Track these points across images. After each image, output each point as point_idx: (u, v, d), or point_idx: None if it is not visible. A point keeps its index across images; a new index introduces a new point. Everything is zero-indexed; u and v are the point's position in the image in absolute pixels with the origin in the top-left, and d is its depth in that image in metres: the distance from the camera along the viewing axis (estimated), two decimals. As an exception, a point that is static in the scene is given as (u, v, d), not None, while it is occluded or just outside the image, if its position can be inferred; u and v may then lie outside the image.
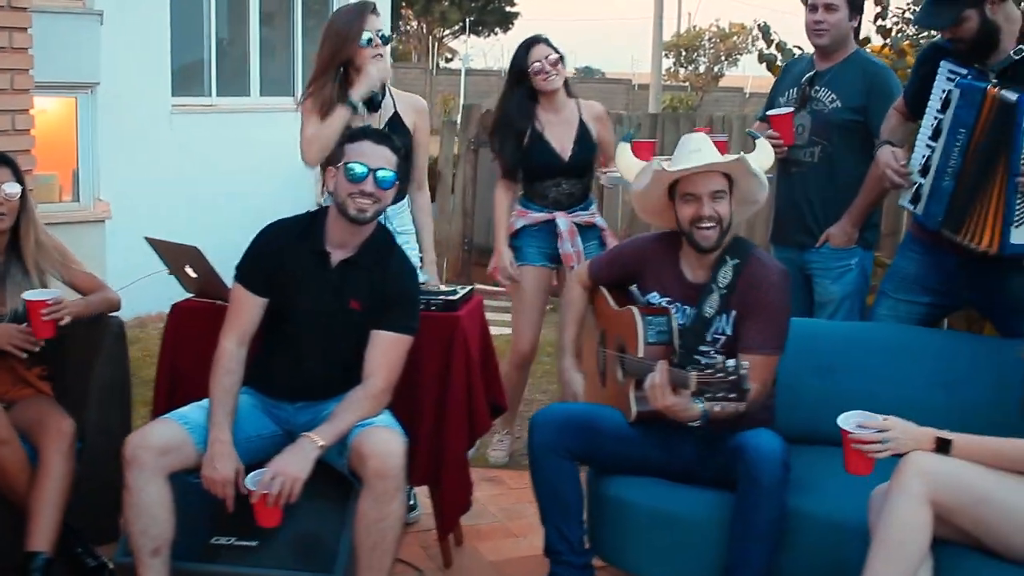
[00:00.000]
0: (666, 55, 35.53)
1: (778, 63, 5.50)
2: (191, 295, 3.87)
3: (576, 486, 3.45)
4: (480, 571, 3.95)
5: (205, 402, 3.36)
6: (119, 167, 7.09)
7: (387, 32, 4.15)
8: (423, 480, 3.73)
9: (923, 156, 3.70)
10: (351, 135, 3.50)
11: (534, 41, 4.77)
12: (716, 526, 3.31)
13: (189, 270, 3.75)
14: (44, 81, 6.35)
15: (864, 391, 3.67)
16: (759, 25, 5.76)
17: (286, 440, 3.37)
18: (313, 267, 3.43)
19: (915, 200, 3.74)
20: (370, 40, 4.04)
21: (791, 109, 4.42)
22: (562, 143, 4.78)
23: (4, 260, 3.70)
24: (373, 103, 4.11)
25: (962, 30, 3.57)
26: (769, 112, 4.51)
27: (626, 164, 4.36)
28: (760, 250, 3.57)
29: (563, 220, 4.78)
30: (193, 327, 3.75)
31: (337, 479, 3.31)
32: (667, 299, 3.56)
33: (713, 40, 38.20)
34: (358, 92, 4.01)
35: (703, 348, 3.45)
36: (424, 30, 41.73)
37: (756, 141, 4.25)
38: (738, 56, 37.90)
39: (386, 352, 3.38)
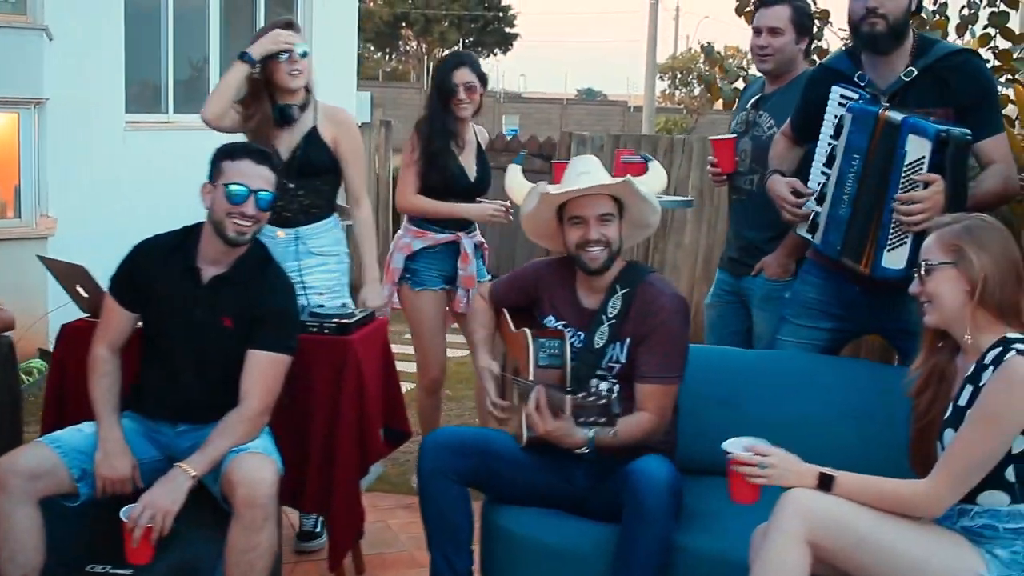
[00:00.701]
0: (661, 77, 35.57)
1: (716, 82, 5.41)
2: (84, 315, 3.77)
3: (465, 512, 3.35)
4: (377, 601, 3.86)
5: (83, 425, 3.30)
6: (68, 183, 7.01)
7: (306, 48, 4.10)
8: (314, 507, 3.65)
9: (818, 184, 3.61)
10: (231, 151, 3.41)
11: (456, 64, 4.68)
12: (602, 560, 3.20)
13: (80, 289, 3.67)
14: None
15: (770, 421, 3.56)
16: (702, 46, 5.68)
17: (167, 466, 3.28)
18: (184, 283, 3.35)
19: (812, 229, 3.65)
20: (287, 56, 4.03)
21: (733, 135, 4.32)
22: (469, 164, 4.74)
23: None
24: (285, 116, 4.06)
25: (892, 5, 3.46)
26: (711, 137, 4.41)
27: (516, 186, 4.26)
28: (655, 276, 3.49)
29: (468, 240, 4.71)
30: (82, 348, 3.64)
31: (215, 505, 3.22)
32: (562, 323, 3.48)
33: (707, 63, 38.06)
34: (256, 50, 4.00)
35: (600, 374, 3.37)
36: (423, 50, 41.84)
37: (649, 164, 4.17)
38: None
39: (262, 372, 3.30)
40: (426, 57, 40.30)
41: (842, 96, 3.57)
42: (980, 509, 2.72)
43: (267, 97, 4.10)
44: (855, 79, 3.59)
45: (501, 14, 41.36)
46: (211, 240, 3.36)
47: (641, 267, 3.50)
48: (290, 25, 4.17)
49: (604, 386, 2.93)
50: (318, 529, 4.17)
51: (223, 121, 4.06)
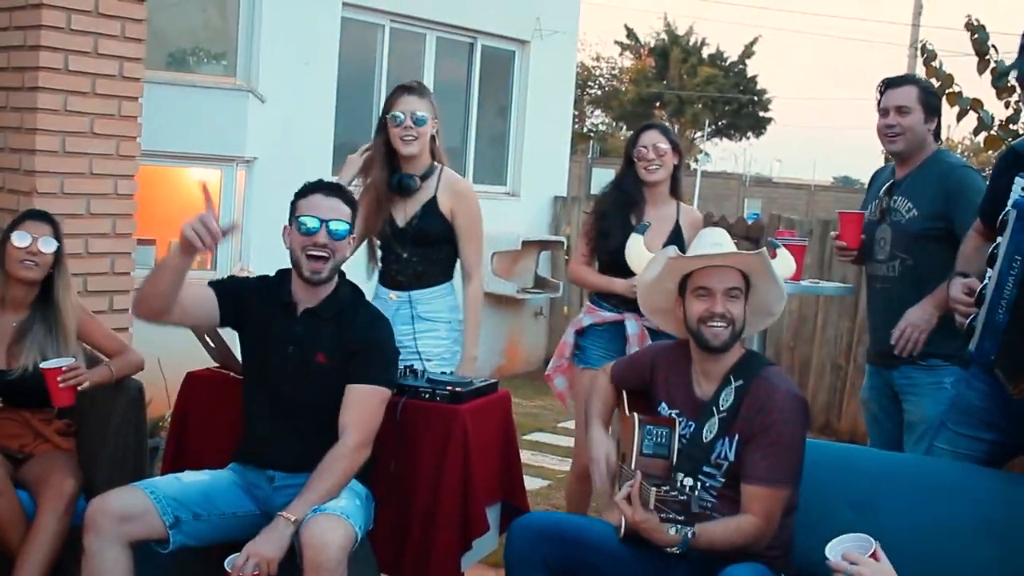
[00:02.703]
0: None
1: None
2: (214, 365, 3.84)
3: (553, 604, 3.19)
4: None
5: (183, 474, 3.36)
6: (269, 241, 7.23)
7: (423, 114, 4.06)
8: (413, 574, 3.54)
9: (982, 285, 3.28)
10: (303, 189, 3.46)
11: (648, 127, 4.53)
12: (691, 665, 2.99)
13: (207, 339, 3.73)
14: (195, 153, 6.67)
15: (901, 531, 3.27)
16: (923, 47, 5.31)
17: (262, 520, 3.29)
18: (280, 319, 3.40)
19: (969, 334, 3.28)
20: (399, 119, 4.00)
21: (863, 211, 4.12)
22: (654, 241, 4.41)
23: (28, 315, 3.79)
24: (403, 187, 4.05)
25: None
26: (839, 210, 4.17)
27: (635, 254, 4.06)
28: (774, 370, 3.26)
29: (632, 323, 4.41)
30: (204, 397, 3.73)
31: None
32: (675, 412, 3.30)
33: (966, 154, 36.74)
34: (343, 177, 4.02)
35: (707, 470, 3.17)
36: (677, 131, 41.93)
37: (777, 250, 3.92)
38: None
39: (359, 404, 3.28)
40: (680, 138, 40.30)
41: (1023, 188, 3.27)
42: None
43: (388, 163, 4.10)
44: None
45: (756, 98, 41.01)
46: (296, 282, 3.41)
47: (760, 358, 3.29)
48: (412, 90, 4.14)
49: (688, 482, 2.75)
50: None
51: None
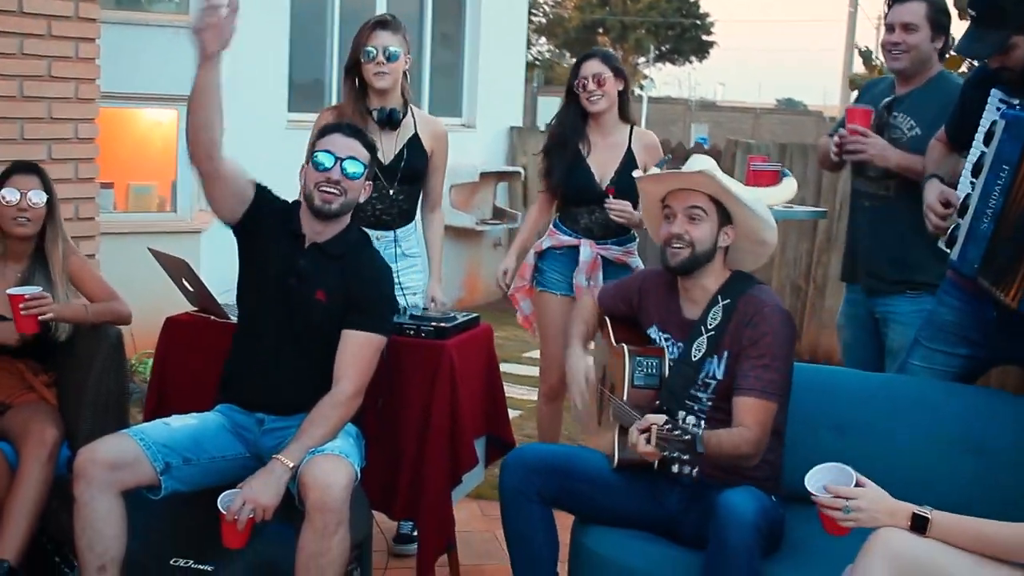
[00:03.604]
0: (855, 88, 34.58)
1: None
2: (192, 309, 3.81)
3: (548, 534, 3.22)
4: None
5: (171, 419, 3.31)
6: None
7: (395, 49, 4.03)
8: (404, 513, 3.58)
9: (964, 194, 3.33)
10: (323, 129, 3.43)
11: (588, 56, 4.49)
12: (690, 588, 3.03)
13: (185, 283, 3.69)
14: (149, 93, 6.54)
15: (884, 451, 3.36)
16: (859, 51, 5.37)
17: (253, 463, 3.30)
18: (286, 246, 3.36)
19: (951, 243, 3.35)
20: (371, 54, 3.96)
21: (871, 109, 3.99)
22: (603, 169, 4.44)
23: (28, 267, 3.75)
24: (392, 120, 4.02)
25: (1011, 58, 3.21)
26: (848, 106, 4.04)
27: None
28: (762, 287, 3.29)
29: (587, 249, 4.44)
30: (184, 341, 3.71)
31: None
32: (665, 335, 3.33)
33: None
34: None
35: (694, 392, 3.20)
36: (620, 57, 41.73)
37: (784, 179, 3.90)
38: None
39: (356, 352, 3.26)
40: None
41: (1000, 101, 3.29)
42: None
43: (363, 100, 4.10)
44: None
45: (699, 21, 40.90)
46: (306, 216, 3.37)
47: (747, 277, 3.31)
48: (386, 24, 4.11)
49: (691, 420, 2.76)
50: (415, 533, 4.09)
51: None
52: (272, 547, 3.15)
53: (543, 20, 39.78)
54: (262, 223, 3.36)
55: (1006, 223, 3.18)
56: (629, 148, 4.47)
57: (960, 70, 4.86)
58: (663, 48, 40.05)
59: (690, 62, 41.72)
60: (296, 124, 7.97)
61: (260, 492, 3.01)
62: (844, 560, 2.78)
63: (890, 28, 3.99)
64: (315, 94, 8.35)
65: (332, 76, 8.39)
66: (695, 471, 2.75)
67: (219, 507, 3.01)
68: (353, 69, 4.11)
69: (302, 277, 3.32)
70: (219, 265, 5.50)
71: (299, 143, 7.72)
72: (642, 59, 40.69)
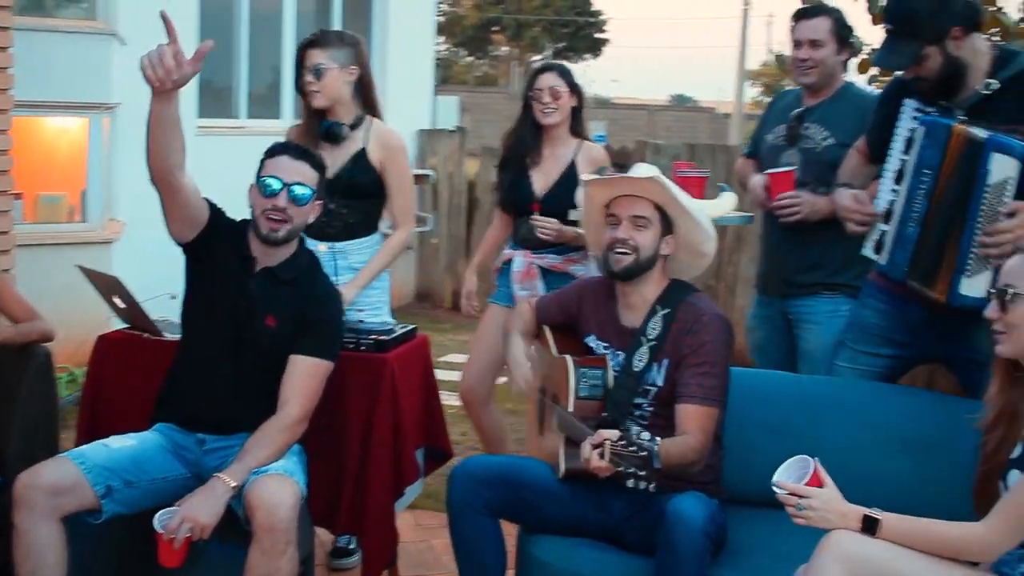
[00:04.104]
0: (752, 84, 35.16)
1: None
2: (124, 326, 3.74)
3: (496, 545, 3.23)
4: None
5: (109, 440, 3.25)
6: (137, 188, 7.02)
7: (319, 63, 3.99)
8: (347, 528, 3.56)
9: (888, 202, 3.43)
10: (272, 149, 3.38)
11: (545, 68, 4.49)
12: (638, 594, 3.07)
13: (117, 300, 3.63)
14: (58, 101, 6.39)
15: (820, 452, 3.32)
16: (776, 56, 5.49)
17: (194, 483, 3.24)
18: (237, 270, 3.32)
19: (878, 249, 3.46)
20: (303, 74, 4.02)
21: (793, 168, 4.09)
22: (544, 181, 4.44)
23: None
24: (331, 134, 3.99)
25: (924, 68, 3.32)
26: (769, 171, 4.13)
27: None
28: (699, 295, 3.34)
29: (519, 259, 4.43)
30: (118, 359, 3.64)
31: (238, 523, 3.14)
32: (604, 344, 3.37)
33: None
34: None
35: (637, 400, 3.25)
36: (515, 55, 41.88)
37: (723, 193, 3.97)
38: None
39: (303, 378, 3.23)
40: (517, 62, 40.32)
41: (916, 109, 3.41)
42: None
43: (314, 112, 4.07)
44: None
45: (592, 19, 41.24)
46: (254, 239, 3.33)
47: (685, 286, 3.36)
48: (313, 42, 4.06)
49: (646, 436, 2.79)
50: (352, 546, 4.09)
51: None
52: (216, 569, 3.13)
53: (440, 18, 39.76)
54: (214, 245, 3.32)
55: (930, 225, 3.31)
56: (572, 162, 4.45)
57: (871, 72, 4.97)
58: (558, 46, 40.28)
59: (584, 59, 42.04)
60: (206, 130, 7.87)
61: (198, 510, 2.97)
62: (787, 561, 2.85)
63: (798, 44, 4.14)
64: (224, 100, 8.26)
65: (242, 81, 8.30)
66: (652, 486, 2.76)
67: (155, 525, 2.97)
68: (301, 90, 4.09)
69: (252, 301, 3.29)
70: (130, 275, 5.41)
71: (209, 149, 7.68)
72: (537, 57, 40.82)
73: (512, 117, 4.63)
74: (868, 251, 3.51)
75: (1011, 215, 3.13)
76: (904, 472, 3.37)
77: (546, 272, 4.41)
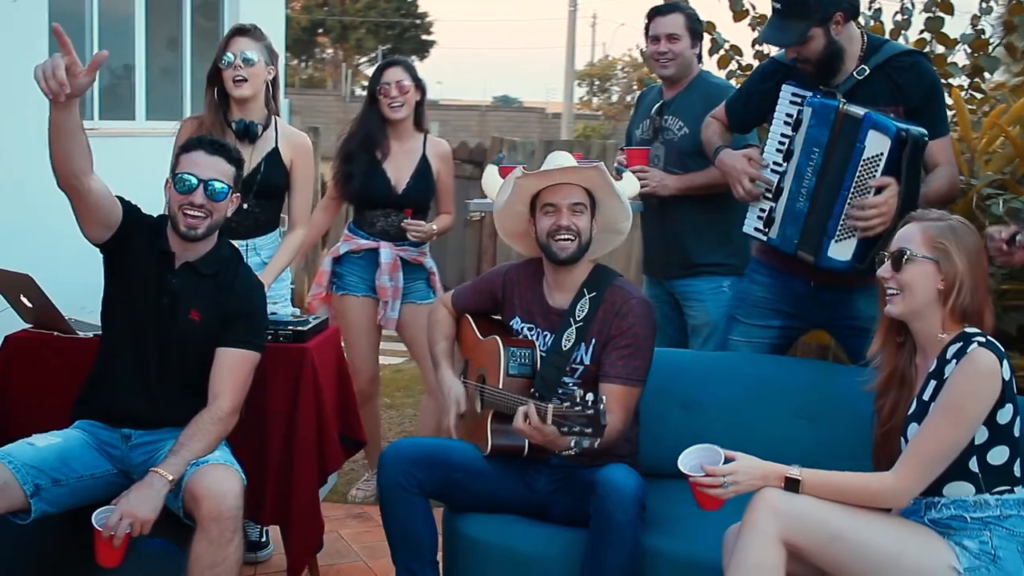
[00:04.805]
0: (579, 84, 35.79)
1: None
2: (28, 326, 3.67)
3: (428, 524, 3.30)
4: (335, 613, 3.80)
5: (34, 438, 3.19)
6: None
7: (251, 53, 4.00)
8: (272, 519, 3.56)
9: (774, 178, 3.64)
10: (186, 145, 3.38)
11: (391, 63, 4.63)
12: (569, 565, 3.18)
13: (24, 300, 3.56)
14: None
15: (728, 424, 3.60)
16: (642, 51, 5.68)
17: (121, 479, 3.24)
18: (156, 266, 3.30)
19: (768, 224, 3.67)
20: (228, 60, 3.96)
21: (647, 147, 4.38)
22: (398, 174, 4.62)
23: None
24: (249, 133, 3.99)
25: (808, 49, 3.54)
26: (626, 147, 4.44)
27: (492, 183, 4.20)
28: (623, 280, 3.47)
29: (387, 251, 4.59)
30: (28, 359, 3.56)
31: (173, 516, 3.13)
32: (528, 325, 3.47)
33: (626, 69, 38.56)
34: None
35: (564, 379, 3.36)
36: (340, 57, 41.65)
37: (623, 174, 4.15)
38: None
39: (232, 369, 3.25)
40: (343, 64, 40.12)
41: (792, 95, 3.62)
42: (947, 500, 2.77)
43: (222, 110, 4.06)
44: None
45: (418, 21, 41.33)
46: (172, 234, 3.31)
47: (608, 271, 3.49)
48: (245, 32, 4.08)
49: (590, 396, 2.88)
50: (264, 539, 4.11)
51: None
52: (151, 563, 3.12)
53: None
54: (130, 243, 3.29)
55: (817, 199, 3.54)
56: (424, 156, 4.66)
57: (730, 68, 5.23)
58: (383, 48, 40.22)
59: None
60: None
61: (137, 506, 2.95)
62: (709, 525, 3.02)
63: (655, 39, 4.38)
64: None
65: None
66: (596, 442, 2.87)
67: (94, 524, 2.94)
68: (214, 79, 4.06)
69: (174, 297, 3.28)
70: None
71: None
72: (363, 59, 40.71)
73: (343, 120, 4.74)
74: (750, 229, 3.72)
75: (879, 191, 3.36)
76: (804, 436, 3.55)
77: (404, 263, 4.62)
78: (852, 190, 3.42)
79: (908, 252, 2.83)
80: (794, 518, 2.74)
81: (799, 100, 3.60)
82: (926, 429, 2.72)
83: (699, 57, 4.47)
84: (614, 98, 37.98)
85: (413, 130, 4.68)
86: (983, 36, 4.82)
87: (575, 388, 3.26)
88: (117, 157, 7.78)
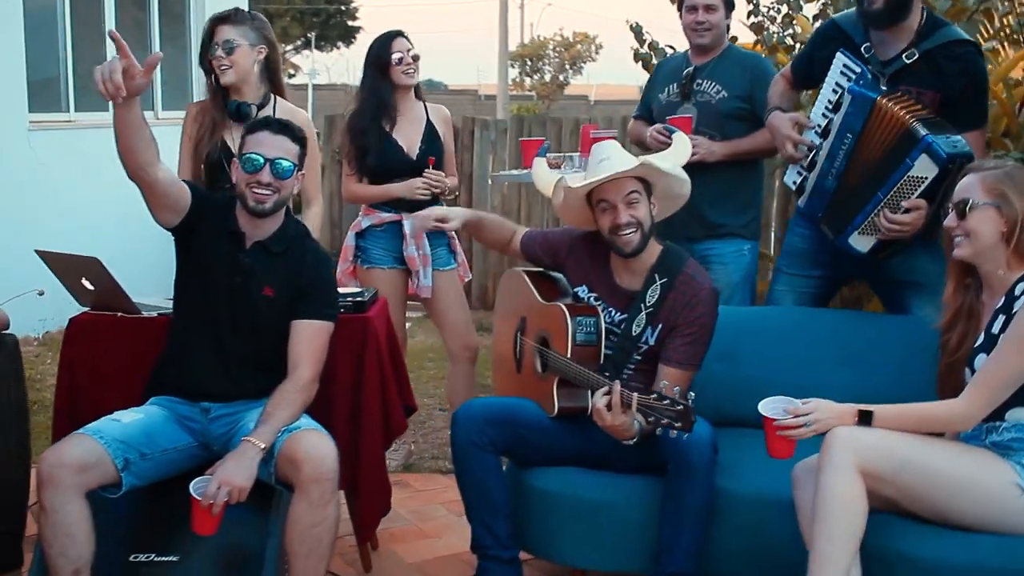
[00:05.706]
0: (511, 65, 35.85)
1: (653, 62, 5.59)
2: (87, 308, 3.72)
3: (501, 480, 3.44)
4: (401, 573, 3.91)
5: (119, 414, 3.26)
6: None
7: (231, 38, 4.08)
8: (341, 485, 3.63)
9: (811, 136, 3.83)
10: (251, 126, 3.47)
11: (396, 34, 4.73)
12: (638, 511, 3.37)
13: (86, 282, 3.61)
14: None
15: (767, 374, 3.76)
16: (631, 26, 5.85)
17: (203, 452, 3.33)
18: (228, 246, 3.39)
19: (799, 191, 3.90)
20: (213, 50, 4.10)
21: (690, 115, 4.49)
22: (410, 141, 4.71)
23: None
24: (242, 114, 4.07)
25: None
26: (670, 117, 4.50)
27: (543, 179, 4.17)
28: (693, 265, 3.55)
29: (409, 221, 4.65)
30: (91, 341, 3.62)
31: (257, 485, 3.21)
32: (595, 296, 3.58)
33: (558, 49, 38.71)
34: None
35: (632, 361, 3.50)
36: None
37: (673, 136, 4.22)
38: (582, 64, 38.46)
39: (309, 340, 3.35)
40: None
41: (844, 66, 3.78)
42: (1008, 424, 2.97)
43: (220, 94, 4.15)
44: (861, 50, 3.78)
45: (343, 7, 41.00)
46: (242, 212, 3.41)
47: (678, 253, 3.54)
48: (225, 19, 4.15)
49: (678, 389, 3.04)
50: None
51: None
52: (236, 530, 3.18)
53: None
54: (200, 226, 3.38)
55: (846, 183, 3.74)
56: (428, 120, 4.78)
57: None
58: (309, 35, 39.88)
59: (337, 48, 41.79)
60: (38, 125, 7.70)
61: (234, 474, 3.05)
62: (771, 468, 3.16)
63: (692, 9, 4.54)
64: (52, 93, 8.06)
65: (68, 74, 8.11)
66: (686, 436, 3.01)
67: (192, 493, 3.02)
68: (209, 68, 4.15)
69: (247, 275, 3.37)
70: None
71: (43, 143, 7.50)
72: (289, 47, 40.34)
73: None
74: (790, 182, 3.96)
75: (908, 211, 3.55)
76: (847, 384, 3.67)
77: (429, 234, 4.67)
78: (888, 198, 3.59)
79: (970, 201, 3.02)
80: (867, 448, 2.91)
81: (847, 73, 3.75)
82: (995, 358, 2.91)
83: (728, 28, 4.63)
84: (547, 78, 38.12)
85: (414, 99, 4.79)
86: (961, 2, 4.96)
87: (629, 368, 3.42)
88: (92, 147, 7.83)
